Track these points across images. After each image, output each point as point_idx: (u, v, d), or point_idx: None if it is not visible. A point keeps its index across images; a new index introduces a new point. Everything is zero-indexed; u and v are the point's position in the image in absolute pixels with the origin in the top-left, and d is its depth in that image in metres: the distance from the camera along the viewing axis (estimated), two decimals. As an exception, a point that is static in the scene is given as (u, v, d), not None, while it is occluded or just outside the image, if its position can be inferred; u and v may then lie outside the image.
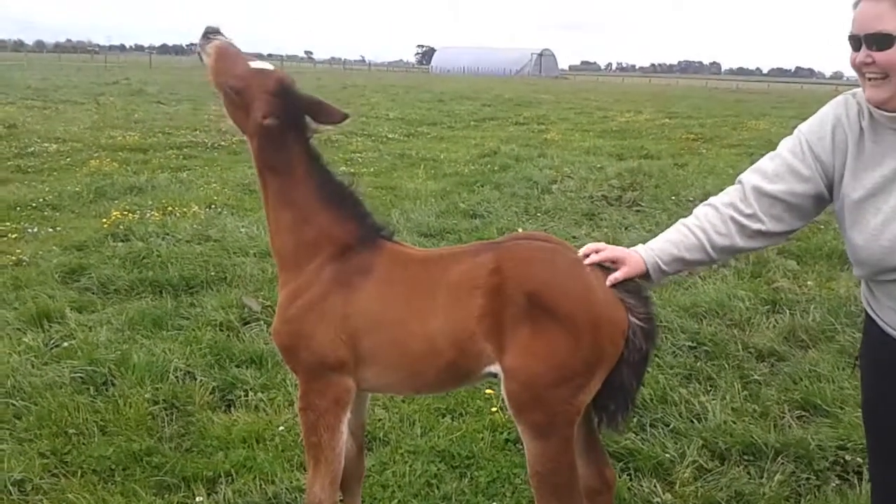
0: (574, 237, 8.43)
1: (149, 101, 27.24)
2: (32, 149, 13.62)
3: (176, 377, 4.61)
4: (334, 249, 2.71)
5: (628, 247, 2.57)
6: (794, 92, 69.35)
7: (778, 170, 2.35)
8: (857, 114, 2.25)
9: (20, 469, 3.65)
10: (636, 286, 2.51)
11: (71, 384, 4.48)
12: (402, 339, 2.60)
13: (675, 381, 4.71)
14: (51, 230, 8.23)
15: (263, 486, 3.62)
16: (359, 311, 2.62)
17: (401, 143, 17.78)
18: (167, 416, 4.24)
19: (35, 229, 8.20)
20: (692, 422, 4.24)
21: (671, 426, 4.19)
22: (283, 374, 4.68)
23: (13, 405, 4.23)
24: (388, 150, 16.08)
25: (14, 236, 7.88)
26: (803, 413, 4.43)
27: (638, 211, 10.06)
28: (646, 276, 2.50)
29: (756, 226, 2.38)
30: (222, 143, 15.95)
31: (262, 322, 5.51)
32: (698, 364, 4.99)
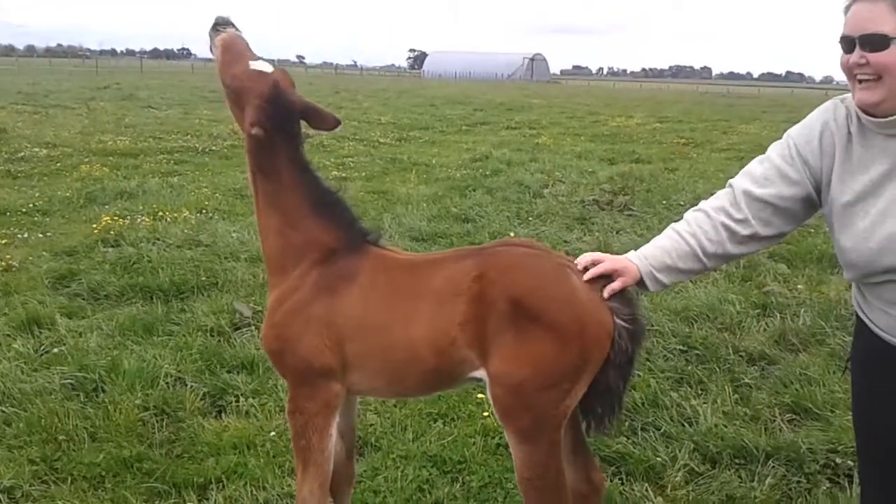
0: (566, 241, 8.45)
1: (140, 105, 27.17)
2: (22, 154, 13.55)
3: (166, 383, 4.59)
4: (320, 254, 2.70)
5: (620, 251, 2.57)
6: (785, 96, 69.74)
7: (767, 173, 2.36)
8: (845, 118, 2.27)
9: (10, 476, 3.62)
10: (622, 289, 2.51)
11: (61, 390, 4.46)
12: (385, 345, 2.60)
13: (667, 385, 4.72)
14: (41, 235, 8.19)
15: (254, 492, 3.60)
16: (343, 316, 2.62)
17: (393, 148, 17.78)
18: (158, 422, 4.22)
19: (25, 235, 8.16)
20: (683, 425, 4.24)
21: (662, 430, 4.20)
22: (275, 380, 4.67)
23: (3, 412, 4.21)
24: (379, 155, 16.08)
25: (4, 242, 7.83)
26: (794, 416, 4.44)
27: (629, 215, 10.08)
28: (641, 283, 2.49)
29: (746, 231, 2.38)
30: (213, 147, 15.93)
31: (253, 327, 5.50)
32: (689, 368, 5.00)
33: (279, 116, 2.63)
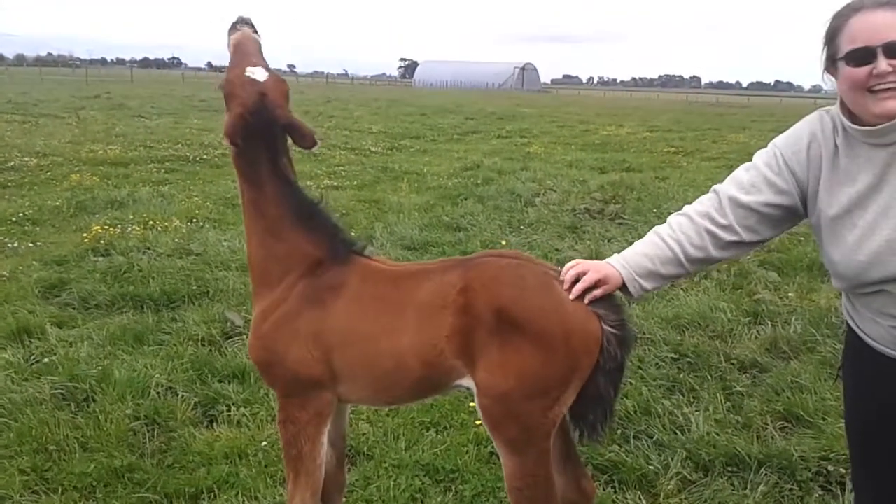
0: (557, 250, 8.46)
1: (130, 114, 27.11)
2: (12, 163, 13.50)
3: (157, 393, 4.57)
4: (305, 265, 2.69)
5: None
6: (774, 105, 70.08)
7: (754, 181, 2.35)
8: (831, 130, 2.26)
9: (0, 486, 3.60)
10: (607, 294, 2.50)
11: (51, 400, 4.44)
12: (372, 356, 2.59)
13: (659, 393, 4.73)
14: (31, 245, 8.16)
15: (246, 502, 3.59)
16: (330, 328, 2.61)
17: (384, 157, 17.79)
18: (149, 431, 4.21)
19: (15, 244, 8.12)
20: (676, 433, 4.25)
21: (655, 438, 4.20)
22: (266, 389, 4.65)
23: (-8, 422, 4.18)
24: (371, 164, 16.08)
25: (-7, 251, 7.80)
26: (786, 424, 4.45)
27: (620, 223, 10.10)
28: (623, 289, 2.49)
29: (730, 237, 2.38)
30: (204, 156, 15.90)
31: (244, 336, 5.47)
32: (681, 376, 5.01)
33: (259, 128, 2.58)
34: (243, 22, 2.78)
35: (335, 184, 13.13)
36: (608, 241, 8.99)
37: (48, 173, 12.91)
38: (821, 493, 3.76)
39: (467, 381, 2.55)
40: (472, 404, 4.40)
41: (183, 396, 4.54)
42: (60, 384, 4.57)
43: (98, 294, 6.34)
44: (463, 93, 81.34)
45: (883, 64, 2.03)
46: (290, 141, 2.72)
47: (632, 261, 2.48)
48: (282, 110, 2.61)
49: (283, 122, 2.62)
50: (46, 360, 4.99)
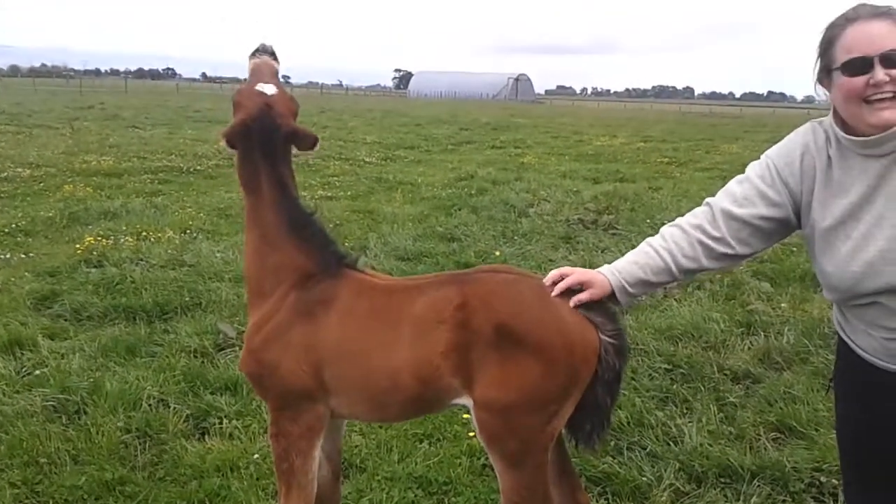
0: (551, 260, 8.47)
1: (124, 125, 27.08)
2: (5, 174, 13.46)
3: (149, 405, 4.55)
4: (298, 277, 2.69)
5: None
6: (767, 116, 70.40)
7: (747, 194, 2.35)
8: (824, 141, 2.26)
9: (-11, 500, 3.58)
10: (601, 304, 2.49)
11: (43, 412, 4.41)
12: (365, 372, 2.58)
13: (652, 404, 4.72)
14: (23, 256, 8.13)
15: (238, 515, 3.57)
16: (321, 342, 2.60)
17: (378, 167, 17.80)
18: (140, 444, 4.18)
19: (7, 255, 8.09)
20: (669, 445, 4.24)
21: (648, 449, 4.20)
22: (258, 402, 4.63)
23: (-17, 435, 4.16)
24: (365, 174, 16.08)
25: (-15, 262, 7.77)
26: (779, 435, 4.45)
27: (614, 234, 10.12)
28: (612, 297, 2.48)
29: (723, 249, 2.37)
30: (198, 167, 15.88)
31: (236, 348, 5.46)
32: (674, 387, 5.00)
33: (260, 135, 2.63)
34: (264, 50, 2.86)
35: (329, 194, 13.13)
36: (602, 251, 9.00)
37: (41, 184, 12.88)
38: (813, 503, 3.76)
39: (463, 400, 2.53)
40: (465, 416, 4.39)
41: (175, 409, 4.52)
42: (52, 396, 4.55)
43: (90, 305, 6.32)
44: (457, 103, 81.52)
45: (880, 73, 2.03)
46: (293, 152, 2.76)
47: (623, 269, 2.47)
48: (284, 120, 2.66)
49: (285, 130, 2.65)
50: (38, 372, 4.96)
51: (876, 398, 2.28)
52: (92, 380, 4.79)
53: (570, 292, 2.47)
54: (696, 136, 33.87)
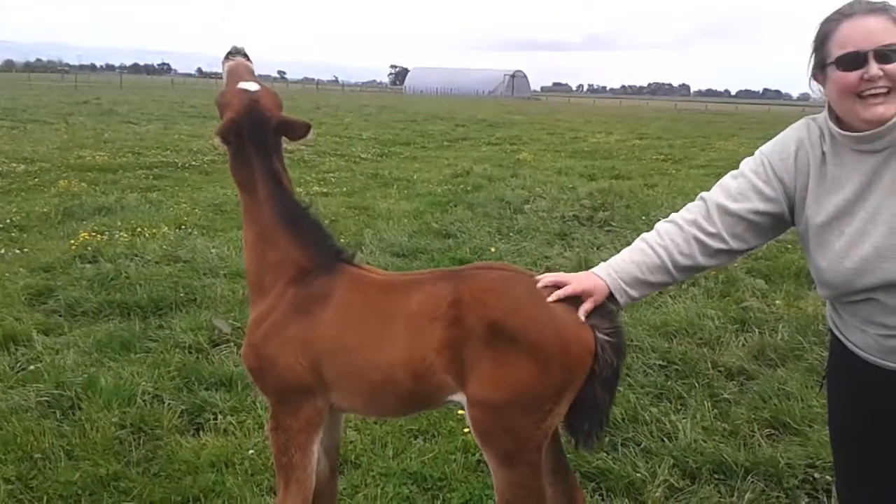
0: (546, 257, 8.47)
1: (119, 120, 27.01)
2: (0, 169, 13.43)
3: (144, 400, 4.54)
4: (295, 272, 2.70)
5: None
6: (762, 113, 70.49)
7: (742, 188, 2.35)
8: (818, 137, 2.26)
9: (-17, 496, 3.57)
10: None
11: (37, 408, 4.40)
12: (360, 367, 2.58)
13: (646, 401, 4.73)
14: (18, 251, 8.10)
15: (233, 510, 3.57)
16: (318, 337, 2.61)
17: (374, 164, 17.79)
18: (134, 440, 4.18)
19: (2, 251, 8.06)
20: (663, 441, 4.25)
21: (642, 445, 4.21)
22: (253, 397, 4.63)
23: (-23, 430, 4.15)
24: (360, 171, 16.08)
25: (-20, 258, 7.75)
26: (773, 431, 4.46)
27: (609, 231, 10.13)
28: (610, 298, 2.47)
29: (718, 245, 2.37)
30: (193, 163, 15.85)
31: (231, 344, 5.46)
32: (669, 383, 5.02)
33: (250, 129, 2.67)
34: (237, 52, 2.93)
35: (324, 190, 13.11)
36: (597, 248, 9.01)
37: (36, 179, 12.84)
38: (807, 500, 3.78)
39: (458, 397, 2.53)
40: (460, 412, 4.40)
41: (169, 404, 4.51)
42: (46, 392, 4.54)
43: (85, 301, 6.31)
44: (453, 100, 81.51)
45: (874, 68, 2.04)
46: (288, 147, 2.77)
47: (619, 268, 2.46)
48: (272, 112, 2.70)
49: (275, 122, 2.69)
50: (32, 367, 4.96)
51: (869, 395, 2.29)
52: (86, 375, 4.78)
53: (570, 301, 2.45)
54: (691, 133, 33.93)
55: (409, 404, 2.70)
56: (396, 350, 2.51)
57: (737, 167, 2.45)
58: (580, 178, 16.04)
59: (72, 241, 8.18)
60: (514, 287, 2.51)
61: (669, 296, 6.85)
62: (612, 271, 2.47)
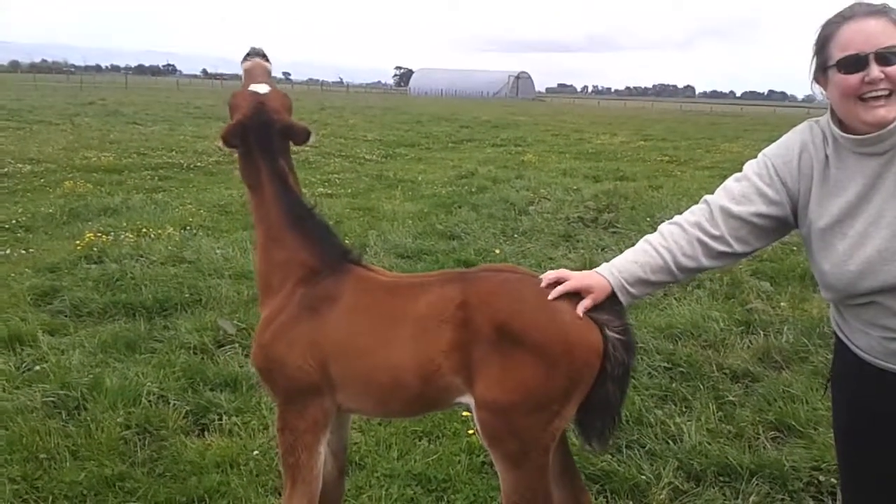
0: (551, 258, 8.47)
1: (124, 121, 27.11)
2: (6, 170, 13.47)
3: (149, 401, 4.55)
4: (304, 273, 2.72)
5: None
6: (767, 115, 70.43)
7: (745, 191, 2.35)
8: (821, 140, 2.26)
9: (-11, 495, 3.58)
10: (608, 300, 2.47)
11: (42, 408, 4.42)
12: (368, 368, 2.59)
13: (651, 403, 4.73)
14: (23, 252, 8.13)
15: (237, 511, 3.58)
16: (326, 338, 2.62)
17: (378, 165, 17.81)
18: (140, 440, 4.19)
19: (7, 251, 8.09)
20: (668, 443, 4.25)
21: (647, 448, 4.20)
22: (258, 398, 4.65)
23: (-17, 430, 4.16)
24: (365, 172, 16.10)
25: (-15, 258, 7.77)
26: (778, 434, 4.45)
27: (614, 232, 10.12)
28: (613, 297, 2.47)
29: (722, 247, 2.37)
30: (198, 164, 15.89)
31: (236, 345, 5.47)
32: (674, 385, 5.01)
33: (256, 131, 2.70)
34: (255, 53, 2.98)
35: (329, 192, 13.13)
36: (602, 249, 9.00)
37: (41, 180, 12.89)
38: (812, 503, 3.77)
39: (466, 399, 2.54)
40: (465, 413, 4.40)
41: (174, 405, 4.52)
42: (52, 392, 4.56)
43: (90, 301, 6.32)
44: (458, 101, 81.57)
45: (875, 71, 2.04)
46: (295, 148, 2.83)
47: (622, 268, 2.46)
48: (279, 115, 2.73)
49: (280, 125, 2.72)
50: (38, 367, 4.97)
51: (872, 397, 2.28)
52: (92, 376, 4.80)
53: (570, 297, 2.45)
54: (696, 134, 33.91)
55: (416, 406, 2.70)
56: (404, 352, 2.52)
57: (741, 169, 2.44)
58: (585, 179, 16.04)
59: (77, 242, 8.19)
60: (521, 289, 2.51)
61: (674, 298, 6.84)
62: (615, 270, 2.47)
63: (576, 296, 2.45)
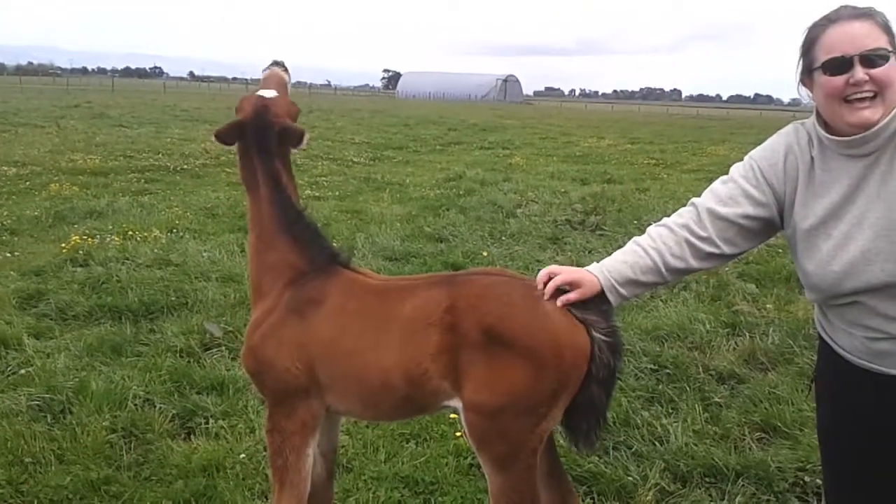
0: (539, 261, 8.48)
1: (111, 124, 26.97)
2: (-9, 172, 13.38)
3: (135, 405, 4.53)
4: (293, 275, 2.73)
5: None
6: (754, 118, 70.82)
7: (732, 193, 2.37)
8: (807, 142, 2.29)
9: (-27, 500, 3.56)
10: (595, 301, 2.48)
11: (28, 412, 4.39)
12: (355, 371, 2.60)
13: (638, 404, 4.74)
14: (9, 255, 8.07)
15: (224, 514, 3.56)
16: (312, 340, 2.62)
17: (366, 168, 17.80)
18: (125, 444, 4.17)
19: (-8, 254, 8.04)
20: (654, 444, 4.26)
21: (634, 449, 4.22)
22: (245, 401, 4.63)
23: (-33, 434, 4.13)
24: (353, 174, 16.08)
25: (-30, 261, 7.71)
26: (763, 435, 4.48)
27: (601, 235, 10.15)
28: (602, 297, 2.48)
29: (709, 248, 2.39)
30: (185, 166, 15.83)
31: (223, 348, 5.45)
32: (660, 387, 5.03)
33: (254, 132, 2.74)
34: (276, 63, 3.12)
35: (317, 194, 13.12)
36: (589, 252, 9.03)
37: (27, 183, 12.82)
38: (797, 503, 3.79)
39: (454, 402, 2.54)
40: (452, 416, 4.40)
41: (161, 408, 4.50)
42: (37, 396, 4.53)
43: (76, 305, 6.29)
44: (446, 104, 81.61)
45: (859, 73, 2.06)
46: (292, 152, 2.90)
47: (612, 268, 2.47)
48: (278, 119, 2.77)
49: (278, 127, 2.76)
50: (23, 371, 4.94)
51: (856, 398, 2.30)
52: (77, 379, 4.77)
53: (559, 292, 2.46)
54: (683, 137, 34.06)
55: (405, 408, 2.70)
56: (391, 355, 2.52)
57: (727, 172, 2.46)
58: (572, 182, 16.08)
59: (63, 245, 8.15)
60: (509, 292, 2.51)
61: (661, 300, 6.87)
62: (605, 270, 2.48)
63: (564, 293, 2.47)
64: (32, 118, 27.40)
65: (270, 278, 2.77)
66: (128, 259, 7.66)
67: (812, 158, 2.27)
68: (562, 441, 2.91)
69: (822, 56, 2.14)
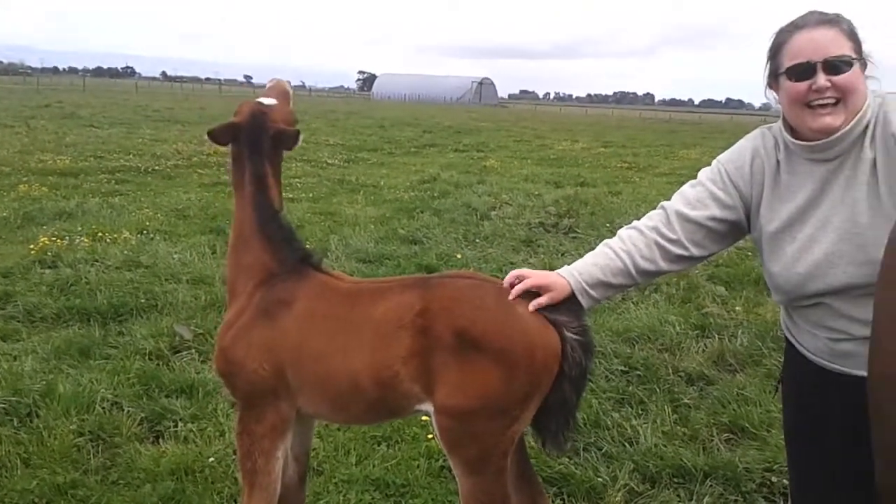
0: (512, 263, 8.50)
1: (81, 124, 26.63)
2: (-42, 173, 13.17)
3: (103, 408, 4.48)
4: (264, 276, 2.72)
5: None
6: (725, 122, 71.56)
7: (700, 196, 2.41)
8: (773, 147, 2.33)
9: (-65, 505, 3.50)
10: (566, 301, 2.49)
11: (-7, 416, 4.33)
12: (324, 374, 2.58)
13: (608, 406, 4.78)
14: (-25, 256, 7.95)
15: (193, 518, 3.54)
16: (281, 343, 2.61)
17: (341, 169, 17.74)
18: (93, 447, 4.12)
19: (-42, 255, 7.91)
20: (624, 445, 4.29)
21: (604, 450, 4.24)
22: (214, 404, 4.60)
23: (-71, 439, 4.07)
24: (327, 176, 16.03)
25: (-65, 263, 7.58)
26: (731, 436, 4.52)
27: (574, 237, 10.21)
28: (572, 299, 2.49)
29: (679, 250, 2.42)
30: (156, 167, 15.68)
31: (193, 350, 5.41)
32: (630, 388, 5.06)
33: (247, 134, 2.77)
34: (282, 78, 3.20)
35: (291, 196, 13.03)
36: (562, 254, 9.07)
37: (-5, 183, 12.62)
38: (764, 503, 3.83)
39: (426, 406, 2.53)
40: (424, 418, 4.40)
41: (129, 411, 4.46)
42: (3, 399, 4.45)
43: (44, 307, 6.21)
44: (421, 106, 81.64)
45: (821, 79, 2.10)
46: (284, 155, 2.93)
47: (582, 271, 2.49)
48: (273, 123, 2.79)
49: (272, 131, 2.78)
50: (-12, 374, 4.86)
51: (820, 399, 2.34)
52: (44, 382, 4.71)
53: (529, 295, 2.47)
54: (655, 141, 34.36)
55: (375, 412, 2.69)
56: (361, 358, 2.51)
57: (697, 176, 2.50)
58: (546, 185, 16.16)
59: (31, 246, 8.04)
60: (481, 295, 2.51)
61: (632, 302, 6.92)
62: (576, 272, 2.49)
63: (534, 296, 2.47)
64: (2, 118, 26.96)
65: (244, 279, 2.76)
66: (97, 261, 7.57)
67: (778, 162, 2.31)
68: (532, 443, 2.92)
69: (787, 61, 2.17)
